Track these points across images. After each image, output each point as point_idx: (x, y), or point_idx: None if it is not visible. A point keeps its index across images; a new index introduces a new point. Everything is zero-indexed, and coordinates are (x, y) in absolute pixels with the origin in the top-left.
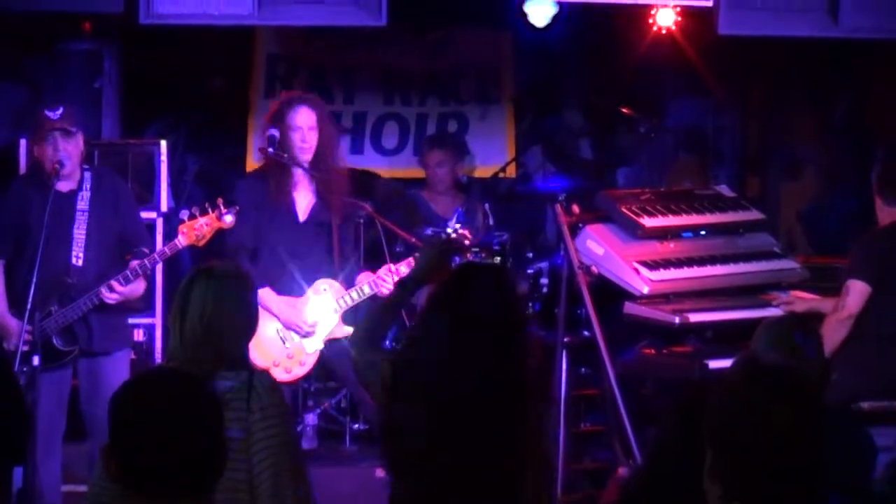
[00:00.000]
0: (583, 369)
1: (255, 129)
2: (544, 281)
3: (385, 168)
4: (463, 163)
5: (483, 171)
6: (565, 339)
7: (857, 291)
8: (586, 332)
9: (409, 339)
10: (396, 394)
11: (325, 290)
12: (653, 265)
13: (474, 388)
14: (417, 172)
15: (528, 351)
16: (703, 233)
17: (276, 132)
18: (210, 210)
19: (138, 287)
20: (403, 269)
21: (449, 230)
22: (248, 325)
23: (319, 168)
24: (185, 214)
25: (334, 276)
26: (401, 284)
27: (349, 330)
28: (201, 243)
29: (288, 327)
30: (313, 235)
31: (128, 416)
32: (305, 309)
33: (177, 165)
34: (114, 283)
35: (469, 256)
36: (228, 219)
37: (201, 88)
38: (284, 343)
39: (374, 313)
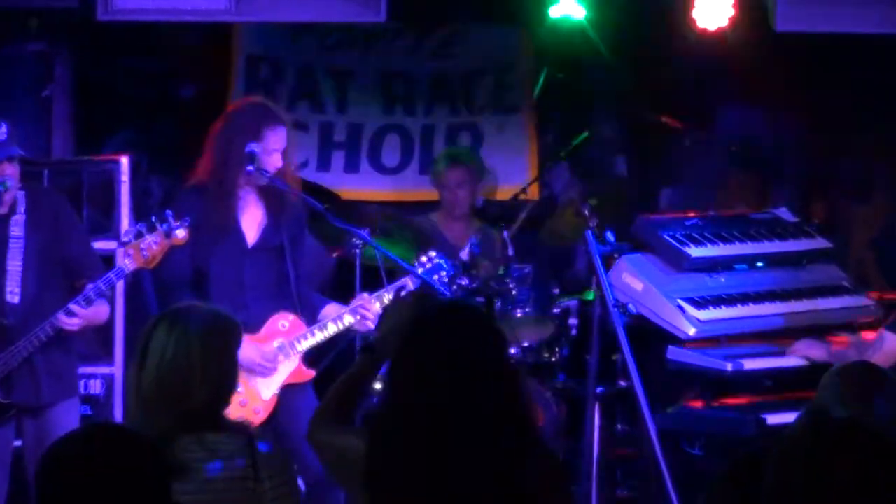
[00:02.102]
0: (619, 426)
1: None
2: (573, 322)
3: (386, 190)
4: (482, 183)
5: (502, 193)
6: (598, 391)
7: None
8: (623, 382)
9: (379, 405)
10: (375, 476)
11: (283, 325)
12: (701, 303)
13: (457, 465)
14: (424, 194)
15: (530, 411)
16: (759, 264)
17: (256, 148)
18: (158, 225)
19: (101, 311)
20: (377, 304)
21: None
22: (222, 380)
23: (281, 182)
24: (129, 234)
25: (293, 310)
26: (367, 349)
27: (311, 373)
28: (152, 265)
29: (249, 368)
30: (265, 261)
31: (53, 483)
32: (263, 348)
33: (140, 187)
34: (73, 307)
35: None
36: (180, 233)
37: (169, 97)
38: (237, 388)
39: (339, 388)
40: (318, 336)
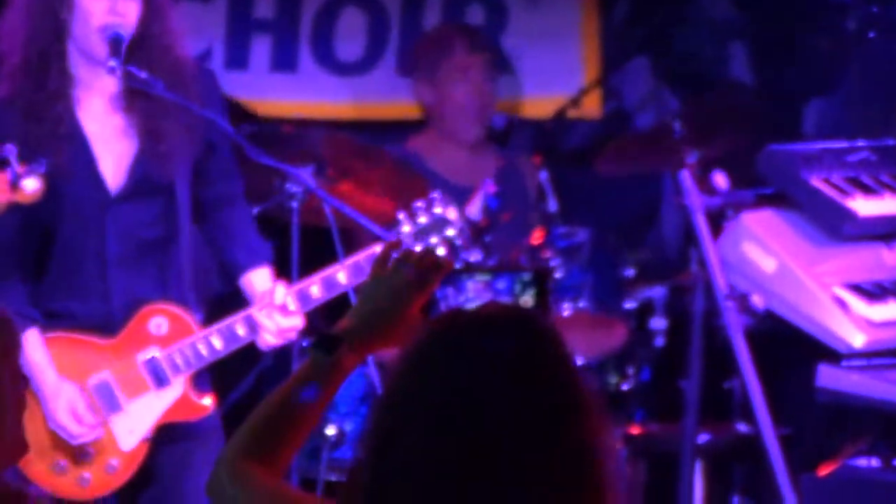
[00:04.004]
0: (735, 499)
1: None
2: (658, 325)
3: (341, 100)
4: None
5: (536, 106)
6: (700, 440)
7: None
8: (742, 426)
9: (363, 452)
10: None
11: (158, 326)
12: (875, 293)
13: None
14: (403, 108)
15: (607, 476)
16: None
17: (120, 33)
18: None
19: None
20: (317, 290)
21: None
22: None
23: (153, 73)
24: None
25: (181, 299)
26: (323, 346)
27: (206, 406)
28: None
29: (52, 421)
30: (141, 215)
31: None
32: (120, 364)
33: None
34: None
35: (470, 289)
36: (31, 184)
37: None
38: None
39: (270, 405)
40: (218, 345)
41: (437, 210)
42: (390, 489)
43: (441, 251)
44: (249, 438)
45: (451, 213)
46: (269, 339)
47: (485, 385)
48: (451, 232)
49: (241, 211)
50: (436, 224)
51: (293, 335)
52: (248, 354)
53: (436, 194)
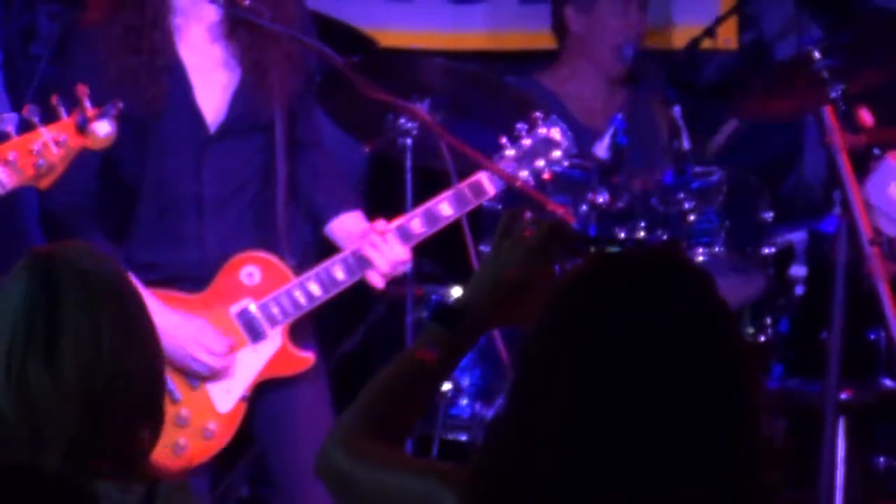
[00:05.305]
0: (881, 459)
1: None
2: (798, 271)
3: (462, 30)
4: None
5: (668, 36)
6: (843, 396)
7: None
8: (887, 381)
9: (506, 414)
10: None
11: (251, 274)
12: None
13: None
14: (531, 37)
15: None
16: None
17: None
18: (63, 111)
19: None
20: (418, 224)
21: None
22: (149, 378)
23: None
24: (9, 122)
25: (275, 246)
26: (444, 316)
27: (308, 358)
28: (45, 182)
29: (179, 360)
30: (240, 154)
31: None
32: (211, 319)
33: (18, 25)
34: None
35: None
36: (103, 128)
37: None
38: (171, 396)
39: (385, 379)
40: (316, 290)
41: (541, 131)
42: (537, 455)
43: (548, 175)
44: (365, 413)
45: (557, 133)
46: (381, 266)
47: (635, 330)
48: (557, 154)
49: (328, 152)
50: (540, 146)
51: (403, 268)
52: (359, 304)
53: (538, 113)
